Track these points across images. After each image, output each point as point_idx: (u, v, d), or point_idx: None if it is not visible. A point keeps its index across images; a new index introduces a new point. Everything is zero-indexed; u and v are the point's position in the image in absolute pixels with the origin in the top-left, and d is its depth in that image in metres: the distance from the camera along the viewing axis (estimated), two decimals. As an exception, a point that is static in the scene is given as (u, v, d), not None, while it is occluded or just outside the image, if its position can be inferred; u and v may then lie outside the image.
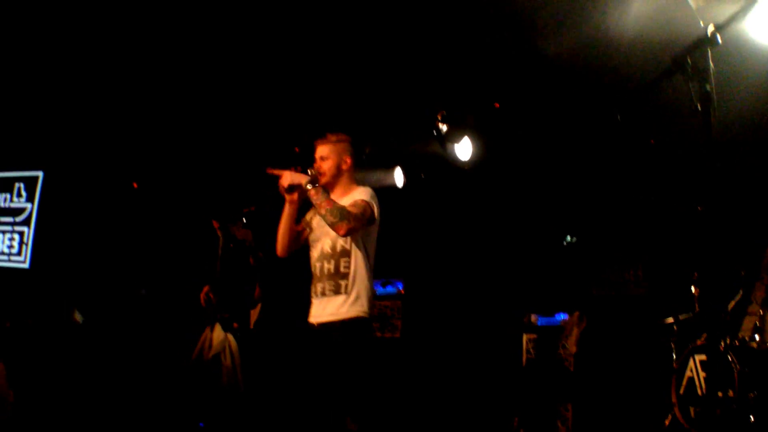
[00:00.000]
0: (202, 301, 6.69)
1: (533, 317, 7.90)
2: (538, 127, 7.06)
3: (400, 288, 8.04)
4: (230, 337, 6.43)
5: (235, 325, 6.46)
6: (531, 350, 7.73)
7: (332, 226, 3.88)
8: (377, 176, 7.27)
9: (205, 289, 6.71)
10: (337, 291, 3.98)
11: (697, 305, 5.68)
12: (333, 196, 4.07)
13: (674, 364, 5.46)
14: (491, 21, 5.76)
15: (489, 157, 7.24)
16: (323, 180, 4.13)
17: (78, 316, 7.78)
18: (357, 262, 4.01)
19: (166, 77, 6.63)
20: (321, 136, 4.25)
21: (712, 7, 4.61)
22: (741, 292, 5.43)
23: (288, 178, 4.01)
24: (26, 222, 8.11)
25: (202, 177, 7.51)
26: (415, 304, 8.00)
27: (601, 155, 7.18)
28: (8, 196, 8.27)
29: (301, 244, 4.28)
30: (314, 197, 3.94)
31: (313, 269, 4.15)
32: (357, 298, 3.97)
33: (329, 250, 4.07)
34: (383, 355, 7.74)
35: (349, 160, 4.22)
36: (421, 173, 7.64)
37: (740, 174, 6.09)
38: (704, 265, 5.75)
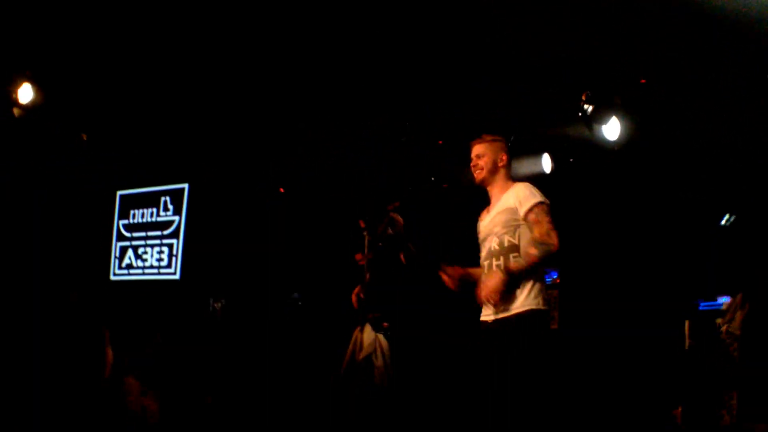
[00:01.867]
0: (354, 302, 6.68)
1: (695, 302, 7.58)
2: (689, 102, 6.73)
3: (555, 277, 7.82)
4: (380, 337, 6.37)
5: (386, 324, 6.41)
6: (693, 336, 7.43)
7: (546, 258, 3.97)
8: (525, 164, 7.09)
9: (357, 289, 6.70)
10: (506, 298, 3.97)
11: None
12: (492, 193, 4.25)
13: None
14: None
15: (639, 136, 6.93)
16: (480, 176, 4.26)
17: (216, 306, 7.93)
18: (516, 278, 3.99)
19: (306, 84, 6.68)
20: (477, 136, 4.35)
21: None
22: None
23: (490, 294, 3.99)
24: (175, 234, 8.31)
25: (346, 178, 7.54)
26: (572, 293, 7.77)
27: (761, 127, 6.77)
28: (156, 210, 8.51)
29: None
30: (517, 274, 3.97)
31: (482, 268, 4.18)
32: (530, 290, 3.95)
33: (497, 247, 4.08)
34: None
35: (505, 158, 4.30)
36: (570, 158, 7.40)
37: None
38: None
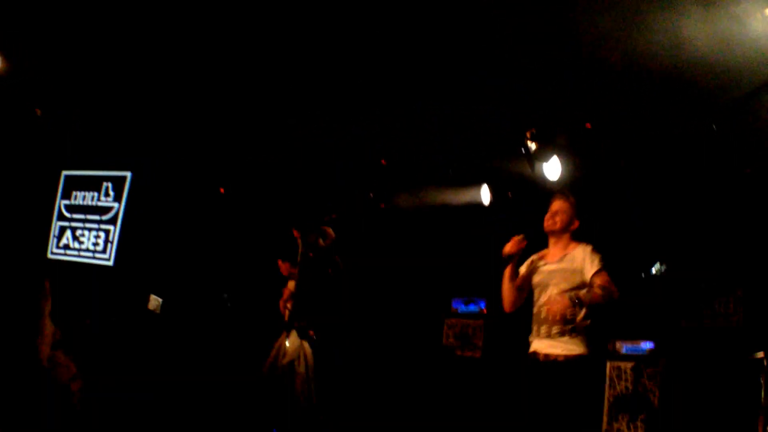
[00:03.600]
0: (282, 309, 6.71)
1: (618, 344, 7.67)
2: (630, 149, 6.86)
3: (483, 307, 7.88)
4: (305, 344, 6.40)
5: (311, 332, 6.45)
6: (614, 378, 7.52)
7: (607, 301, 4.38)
8: (463, 194, 7.16)
9: (284, 297, 6.73)
10: (562, 334, 4.36)
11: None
12: (555, 249, 4.62)
13: (762, 401, 5.27)
14: (583, 39, 5.61)
15: (578, 178, 7.04)
16: (552, 228, 4.63)
17: (154, 303, 7.89)
18: (581, 309, 4.37)
19: (256, 85, 6.66)
20: (562, 192, 4.77)
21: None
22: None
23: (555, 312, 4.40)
24: (112, 221, 8.25)
25: (286, 185, 7.55)
26: (498, 323, 7.84)
27: (695, 180, 6.92)
28: (96, 194, 8.45)
29: (523, 300, 4.74)
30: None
31: (538, 311, 4.55)
32: (580, 339, 4.34)
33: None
34: (462, 375, 7.67)
35: (577, 223, 4.66)
36: (509, 192, 7.48)
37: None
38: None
